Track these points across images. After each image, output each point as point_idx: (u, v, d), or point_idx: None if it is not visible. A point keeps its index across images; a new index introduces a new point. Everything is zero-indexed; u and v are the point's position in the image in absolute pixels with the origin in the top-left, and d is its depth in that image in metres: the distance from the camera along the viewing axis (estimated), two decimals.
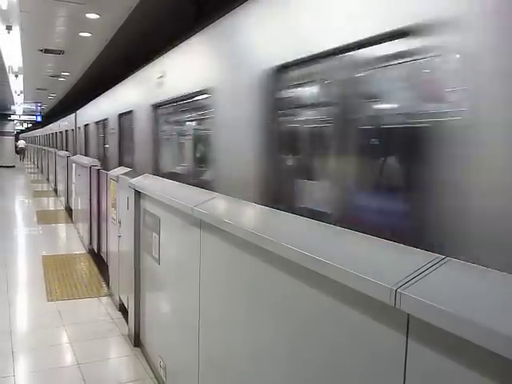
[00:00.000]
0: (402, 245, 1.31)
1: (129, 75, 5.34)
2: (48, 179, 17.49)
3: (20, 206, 12.78)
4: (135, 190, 3.81)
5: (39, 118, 27.58)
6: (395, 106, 1.70)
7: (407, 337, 1.12)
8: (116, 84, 6.25)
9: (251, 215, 2.35)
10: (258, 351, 1.92)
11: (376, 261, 1.32)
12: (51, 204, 12.75)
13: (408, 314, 1.10)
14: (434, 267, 1.16)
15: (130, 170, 4.68)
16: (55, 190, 14.30)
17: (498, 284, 1.11)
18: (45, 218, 10.14)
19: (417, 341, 1.10)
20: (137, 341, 3.93)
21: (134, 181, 3.91)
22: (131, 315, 4.03)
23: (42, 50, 9.59)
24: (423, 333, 1.08)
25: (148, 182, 3.78)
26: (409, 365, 1.13)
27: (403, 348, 1.13)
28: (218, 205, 2.51)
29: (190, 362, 2.67)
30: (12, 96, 19.09)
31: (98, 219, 6.54)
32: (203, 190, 2.83)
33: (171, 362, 3.09)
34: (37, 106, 23.74)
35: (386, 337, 1.20)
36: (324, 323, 1.49)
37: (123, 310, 4.55)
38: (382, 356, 1.23)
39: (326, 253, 1.44)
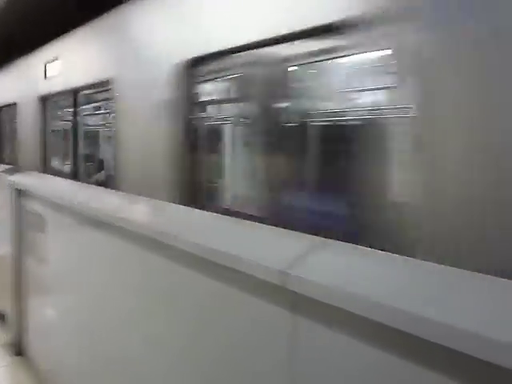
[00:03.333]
0: (286, 230, 1.43)
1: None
2: None
3: None
4: (16, 189, 3.56)
5: None
6: None
7: (294, 313, 1.22)
8: None
9: (142, 209, 2.35)
10: (156, 347, 1.92)
11: (264, 245, 1.42)
12: None
13: (295, 292, 1.20)
14: (317, 249, 1.28)
15: (10, 166, 4.35)
16: None
17: (373, 260, 1.26)
18: None
19: (303, 315, 1.21)
20: (18, 350, 3.67)
21: (15, 178, 3.65)
22: (12, 323, 3.75)
23: None
24: (310, 308, 1.19)
25: (31, 180, 3.55)
26: (297, 339, 1.23)
27: (291, 323, 1.23)
28: (109, 200, 2.46)
29: (83, 366, 2.57)
30: None
31: None
32: (93, 186, 2.75)
33: (61, 369, 2.94)
34: None
35: (276, 315, 1.29)
36: (221, 311, 1.55)
37: (1, 317, 4.21)
38: (272, 333, 1.32)
39: (216, 241, 1.52)
